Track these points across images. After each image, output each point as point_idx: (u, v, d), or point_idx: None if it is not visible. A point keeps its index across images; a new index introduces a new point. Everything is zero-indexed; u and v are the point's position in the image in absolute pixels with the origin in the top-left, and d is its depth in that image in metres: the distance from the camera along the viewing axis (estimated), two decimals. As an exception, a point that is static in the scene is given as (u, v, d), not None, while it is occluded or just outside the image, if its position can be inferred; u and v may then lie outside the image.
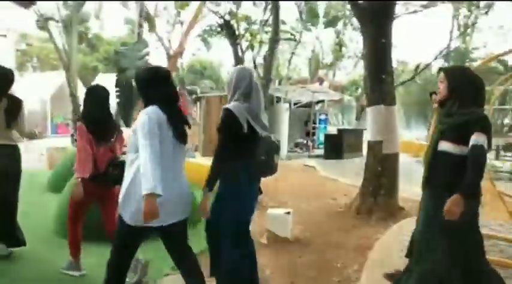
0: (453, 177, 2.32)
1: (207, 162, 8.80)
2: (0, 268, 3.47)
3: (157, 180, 2.03)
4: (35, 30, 26.36)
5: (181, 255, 2.52)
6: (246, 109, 2.54)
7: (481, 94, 2.42)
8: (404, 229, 4.66)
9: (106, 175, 3.06)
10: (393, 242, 4.34)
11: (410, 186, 6.51)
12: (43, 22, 11.44)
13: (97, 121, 3.14)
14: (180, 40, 10.85)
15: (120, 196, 2.28)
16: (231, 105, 2.57)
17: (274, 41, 6.09)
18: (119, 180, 2.48)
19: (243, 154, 2.54)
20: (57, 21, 11.91)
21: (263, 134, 2.60)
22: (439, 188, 2.43)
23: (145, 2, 14.52)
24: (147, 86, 2.37)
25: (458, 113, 2.36)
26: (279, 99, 14.31)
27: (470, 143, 2.24)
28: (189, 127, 2.49)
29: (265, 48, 17.65)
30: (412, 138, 19.96)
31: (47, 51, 26.16)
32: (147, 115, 2.19)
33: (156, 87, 2.34)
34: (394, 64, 8.38)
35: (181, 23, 22.74)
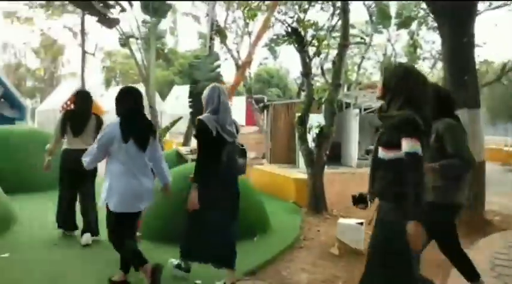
0: (386, 185, 2.14)
1: (275, 169, 8.89)
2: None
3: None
4: (118, 47, 28.99)
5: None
6: (215, 120, 3.17)
7: (416, 94, 2.12)
8: (492, 245, 4.21)
9: None
10: (480, 259, 3.94)
11: (500, 197, 5.89)
12: (125, 40, 12.36)
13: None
14: (249, 50, 11.11)
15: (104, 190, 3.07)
16: (203, 116, 3.21)
17: (343, 45, 5.93)
18: None
19: (212, 156, 3.15)
20: (137, 39, 12.81)
21: (229, 140, 3.20)
22: (380, 198, 2.25)
23: (216, 16, 15.18)
24: (116, 103, 3.19)
25: (386, 116, 2.15)
26: (348, 105, 13.94)
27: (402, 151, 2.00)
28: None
29: (333, 53, 17.41)
30: (500, 144, 18.10)
31: (128, 67, 28.52)
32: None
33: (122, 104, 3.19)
34: (477, 64, 7.69)
35: (250, 34, 23.40)
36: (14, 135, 7.69)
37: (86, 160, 3.08)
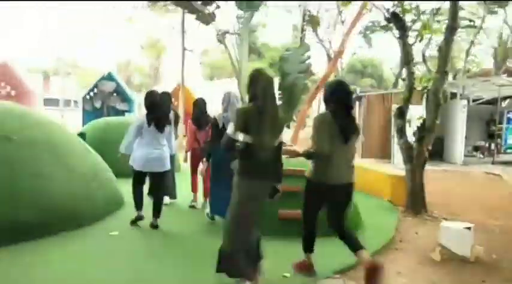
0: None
1: (368, 164, 8.40)
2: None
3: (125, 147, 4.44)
4: (215, 44, 30.43)
5: (157, 197, 4.60)
6: (224, 116, 4.49)
7: (256, 92, 2.88)
8: None
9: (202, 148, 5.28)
10: None
11: None
12: (221, 36, 12.79)
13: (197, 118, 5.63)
14: (342, 39, 10.67)
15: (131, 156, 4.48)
16: (217, 114, 4.61)
17: (452, 28, 5.29)
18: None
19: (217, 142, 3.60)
20: (232, 34, 13.16)
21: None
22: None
23: (308, 6, 14.89)
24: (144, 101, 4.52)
25: None
26: (454, 96, 12.56)
27: None
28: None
29: (435, 39, 15.81)
30: None
31: (223, 62, 29.78)
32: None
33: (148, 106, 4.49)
34: None
35: (342, 23, 22.54)
36: (124, 125, 8.53)
37: (122, 146, 4.44)
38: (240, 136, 2.81)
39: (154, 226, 4.48)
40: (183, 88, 15.61)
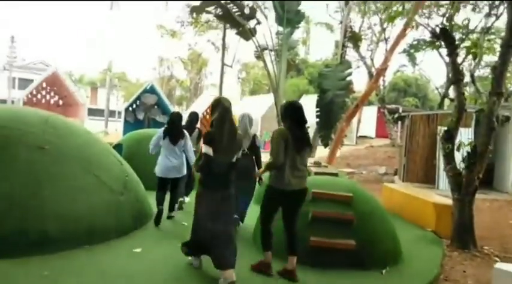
0: None
1: (410, 189, 7.84)
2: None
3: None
4: (254, 60, 30.70)
5: (173, 195, 5.47)
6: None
7: (215, 118, 3.55)
8: None
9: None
10: None
11: None
12: (259, 52, 12.76)
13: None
14: (385, 55, 10.25)
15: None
16: None
17: (508, 46, 4.84)
18: None
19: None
20: (271, 50, 13.07)
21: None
22: None
23: (350, 22, 14.62)
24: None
25: None
26: (507, 119, 11.65)
27: None
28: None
29: (485, 58, 14.88)
30: None
31: (260, 78, 29.94)
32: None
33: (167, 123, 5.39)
34: None
35: (386, 40, 21.96)
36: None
37: (150, 148, 5.34)
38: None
39: (169, 216, 5.42)
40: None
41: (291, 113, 3.67)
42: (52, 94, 19.35)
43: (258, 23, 13.25)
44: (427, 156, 11.74)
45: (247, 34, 13.15)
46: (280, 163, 3.45)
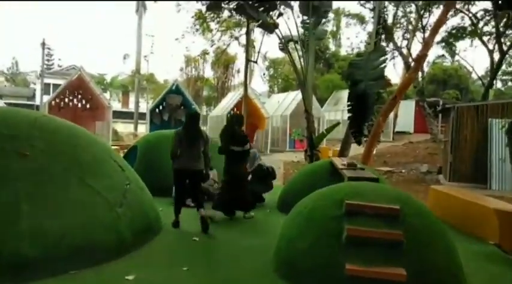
0: None
1: (464, 193, 6.66)
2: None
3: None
4: (282, 55, 29.72)
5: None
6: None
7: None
8: None
9: None
10: None
11: None
12: (284, 44, 11.86)
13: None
14: (426, 40, 9.08)
15: None
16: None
17: None
18: None
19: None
20: (296, 42, 12.13)
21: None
22: None
23: (384, 9, 13.44)
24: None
25: None
26: None
27: None
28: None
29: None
30: None
31: (288, 73, 28.92)
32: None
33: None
34: None
35: (423, 28, 20.39)
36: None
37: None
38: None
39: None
40: (245, 99, 14.96)
41: (187, 118, 5.58)
42: (79, 97, 19.32)
43: (280, 14, 12.37)
44: (477, 152, 10.43)
45: (269, 26, 12.32)
46: (175, 153, 5.08)
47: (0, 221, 3.21)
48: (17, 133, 3.84)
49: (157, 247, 4.22)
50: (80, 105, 19.62)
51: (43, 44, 28.97)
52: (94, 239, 3.67)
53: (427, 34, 19.79)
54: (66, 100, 19.24)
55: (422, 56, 9.22)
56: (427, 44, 9.12)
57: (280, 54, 30.33)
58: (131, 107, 36.65)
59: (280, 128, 20.83)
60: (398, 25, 21.97)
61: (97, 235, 3.71)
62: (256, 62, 17.44)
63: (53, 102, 18.66)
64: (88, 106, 19.62)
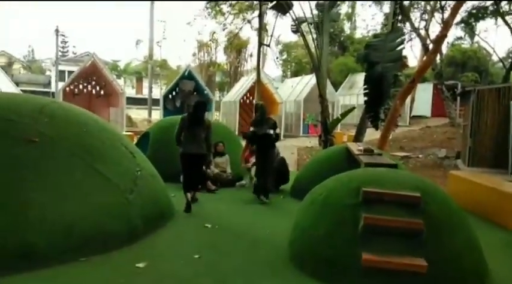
0: None
1: (480, 178, 6.41)
2: None
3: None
4: (295, 39, 29.15)
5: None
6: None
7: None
8: None
9: None
10: None
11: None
12: (297, 26, 11.53)
13: None
14: (446, 20, 8.66)
15: None
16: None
17: None
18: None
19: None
20: (310, 23, 11.75)
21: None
22: None
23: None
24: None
25: None
26: None
27: None
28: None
29: None
30: None
31: (301, 56, 28.39)
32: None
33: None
34: None
35: (442, 9, 19.65)
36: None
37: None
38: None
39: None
40: (258, 84, 14.73)
41: (193, 106, 5.69)
42: (93, 84, 19.38)
43: (293, -6, 12.00)
44: (498, 136, 10.03)
45: (282, 7, 11.98)
46: (177, 136, 5.49)
47: (8, 209, 3.17)
48: (25, 120, 3.77)
49: (169, 234, 4.16)
50: (94, 91, 19.70)
51: (57, 31, 29.07)
52: (104, 226, 3.62)
53: (446, 15, 19.14)
54: (81, 86, 19.32)
55: (441, 37, 8.83)
56: (446, 24, 8.71)
57: (294, 38, 29.80)
58: (145, 93, 36.77)
59: (293, 113, 20.55)
60: (416, 6, 21.22)
61: (107, 223, 3.66)
62: (269, 45, 17.07)
63: (68, 89, 18.76)
64: (102, 92, 19.69)
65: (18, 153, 3.47)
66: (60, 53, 50.14)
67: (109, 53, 76.20)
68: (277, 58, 26.93)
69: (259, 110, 6.33)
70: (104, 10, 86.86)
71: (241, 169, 7.44)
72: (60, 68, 37.65)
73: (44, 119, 3.89)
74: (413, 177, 3.48)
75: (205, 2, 19.15)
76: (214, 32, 24.13)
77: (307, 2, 11.16)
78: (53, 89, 32.26)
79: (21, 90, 24.69)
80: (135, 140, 9.72)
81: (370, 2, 27.49)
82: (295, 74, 29.63)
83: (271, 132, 6.02)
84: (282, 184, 6.92)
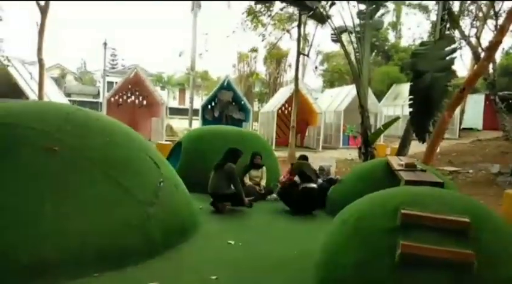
0: None
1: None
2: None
3: None
4: (337, 49, 28.52)
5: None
6: None
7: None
8: None
9: None
10: None
11: None
12: (337, 35, 11.12)
13: None
14: (502, 24, 7.92)
15: None
16: None
17: None
18: None
19: None
20: (351, 32, 11.33)
21: None
22: None
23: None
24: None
25: None
26: None
27: None
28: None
29: None
30: None
31: (341, 66, 27.70)
32: None
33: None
34: None
35: (496, 14, 18.34)
36: (220, 135, 7.72)
37: None
38: None
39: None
40: (296, 94, 14.41)
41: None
42: (136, 94, 20.00)
43: (333, 3, 11.66)
44: None
45: (321, 17, 11.65)
46: None
47: (22, 221, 3.07)
48: (47, 128, 3.73)
49: (189, 250, 3.92)
50: (137, 101, 20.32)
51: (105, 44, 30.52)
52: (121, 241, 3.45)
53: (500, 21, 17.81)
54: (124, 97, 20.01)
55: (496, 43, 8.07)
56: (502, 29, 7.95)
57: (334, 47, 29.21)
58: (187, 104, 37.62)
59: (333, 124, 19.96)
60: (466, 12, 20.00)
61: (124, 237, 3.49)
62: (308, 55, 16.76)
63: (112, 99, 19.48)
64: (144, 102, 20.25)
65: (35, 162, 3.41)
66: (109, 65, 52.84)
67: (157, 66, 79.19)
68: (316, 68, 26.47)
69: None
70: (152, 23, 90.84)
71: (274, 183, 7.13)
72: (109, 79, 39.52)
73: (66, 127, 3.84)
74: (461, 197, 3.01)
75: (244, 15, 19.22)
76: (255, 50, 24.24)
77: (347, 10, 10.77)
78: (101, 100, 33.84)
79: (70, 100, 26.03)
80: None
81: (416, 10, 26.44)
82: (335, 84, 28.98)
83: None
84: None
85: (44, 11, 13.60)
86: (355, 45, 10.90)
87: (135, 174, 4.01)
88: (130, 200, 3.73)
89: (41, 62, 13.76)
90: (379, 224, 2.74)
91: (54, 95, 18.80)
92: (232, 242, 4.18)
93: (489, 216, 2.82)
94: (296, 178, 5.91)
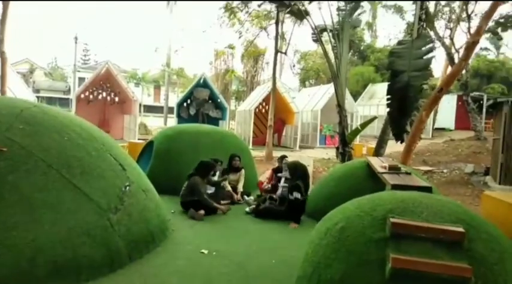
0: None
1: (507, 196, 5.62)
2: None
3: None
4: (314, 47, 28.53)
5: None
6: None
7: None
8: None
9: None
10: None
11: None
12: (317, 34, 10.93)
13: None
14: (478, 25, 7.92)
15: None
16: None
17: None
18: None
19: None
20: (330, 30, 11.17)
21: None
22: None
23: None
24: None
25: None
26: None
27: None
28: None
29: None
30: None
31: (318, 65, 27.72)
32: None
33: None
34: None
35: (469, 17, 18.72)
36: (194, 134, 7.37)
37: None
38: None
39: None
40: (273, 93, 14.16)
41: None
42: (108, 90, 19.21)
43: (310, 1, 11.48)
44: (534, 152, 9.15)
45: (299, 13, 11.45)
46: None
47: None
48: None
49: (157, 262, 3.57)
50: (108, 98, 19.53)
51: (75, 39, 29.37)
52: (78, 252, 3.07)
53: (472, 23, 18.24)
54: (95, 93, 19.17)
55: (473, 43, 8.07)
56: (479, 29, 7.96)
57: (312, 46, 29.21)
58: (163, 101, 36.74)
59: (310, 123, 19.86)
60: (440, 13, 20.36)
61: (83, 248, 3.11)
62: (285, 53, 16.55)
63: (82, 96, 18.63)
64: (116, 99, 19.50)
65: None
66: (81, 61, 51.02)
67: (131, 62, 77.22)
68: (293, 66, 26.36)
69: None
70: (127, 18, 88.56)
71: (251, 185, 6.86)
72: (81, 75, 38.12)
73: (18, 125, 3.40)
74: (453, 204, 2.80)
75: (221, 11, 18.81)
76: (232, 47, 23.84)
77: (327, 8, 10.60)
78: (71, 96, 32.61)
79: (39, 96, 24.82)
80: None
81: (391, 11, 26.75)
82: (312, 83, 28.95)
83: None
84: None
85: (5, -1, 12.72)
86: (334, 44, 10.76)
87: (97, 177, 3.61)
88: (90, 206, 3.34)
89: (3, 55, 12.87)
90: (367, 234, 2.49)
91: (19, 91, 17.80)
92: (206, 252, 3.85)
93: (483, 225, 2.62)
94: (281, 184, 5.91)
